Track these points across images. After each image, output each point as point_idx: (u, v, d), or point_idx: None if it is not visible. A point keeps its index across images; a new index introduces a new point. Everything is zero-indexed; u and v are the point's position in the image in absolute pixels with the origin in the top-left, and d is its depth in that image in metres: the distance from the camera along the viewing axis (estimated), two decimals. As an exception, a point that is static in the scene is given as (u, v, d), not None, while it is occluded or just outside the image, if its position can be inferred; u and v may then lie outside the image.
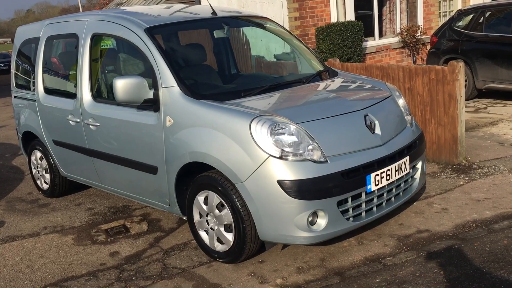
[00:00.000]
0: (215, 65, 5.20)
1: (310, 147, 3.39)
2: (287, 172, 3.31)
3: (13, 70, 6.06)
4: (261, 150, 3.35)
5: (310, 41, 10.14)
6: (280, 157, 3.33)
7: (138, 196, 4.54)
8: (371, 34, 11.03)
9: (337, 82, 4.43)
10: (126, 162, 4.39)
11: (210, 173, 3.71)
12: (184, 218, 4.17)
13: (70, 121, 4.92)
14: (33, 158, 5.94)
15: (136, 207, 5.29)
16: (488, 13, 8.83)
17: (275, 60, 6.09)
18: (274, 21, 5.27)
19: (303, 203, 3.31)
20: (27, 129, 5.80)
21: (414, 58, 11.15)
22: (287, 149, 3.35)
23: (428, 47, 11.32)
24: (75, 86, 4.84)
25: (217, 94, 3.97)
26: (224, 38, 5.30)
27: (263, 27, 5.20)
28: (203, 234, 3.91)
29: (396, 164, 3.73)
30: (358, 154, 3.55)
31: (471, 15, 9.20)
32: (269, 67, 5.48)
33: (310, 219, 3.37)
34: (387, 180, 3.67)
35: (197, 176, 3.82)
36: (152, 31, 4.19)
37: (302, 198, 3.30)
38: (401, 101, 4.25)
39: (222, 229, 3.70)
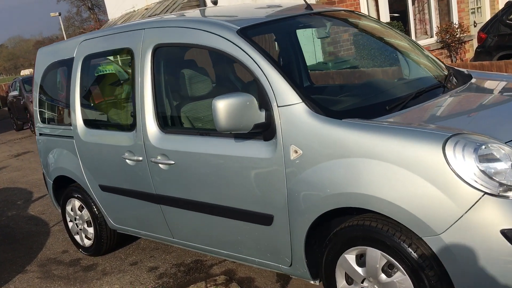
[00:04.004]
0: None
1: None
2: (514, 216, 2.23)
3: (36, 101, 4.92)
4: (468, 186, 2.27)
5: (344, 46, 9.14)
6: (498, 195, 2.26)
7: (234, 254, 3.42)
8: (406, 36, 10.10)
9: (491, 85, 3.39)
10: (220, 210, 3.28)
11: (365, 220, 2.62)
12: (313, 282, 3.06)
13: (127, 160, 3.79)
14: (68, 208, 4.78)
15: (211, 263, 4.16)
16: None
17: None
18: (371, 16, 4.24)
19: (542, 260, 2.23)
20: (61, 174, 4.64)
21: (454, 59, 10.23)
22: (505, 182, 2.28)
23: (467, 45, 10.45)
24: (133, 114, 3.72)
25: (357, 110, 2.89)
26: (294, 40, 4.27)
27: (356, 25, 4.16)
28: (353, 306, 2.81)
29: None
30: None
31: (528, 6, 8.36)
32: (371, 75, 4.40)
33: (548, 282, 2.29)
34: None
35: (343, 227, 2.73)
36: (247, 33, 3.12)
37: (540, 254, 2.22)
38: None
39: (392, 300, 2.60)
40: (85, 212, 4.56)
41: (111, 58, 4.15)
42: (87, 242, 4.68)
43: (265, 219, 3.03)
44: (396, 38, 4.04)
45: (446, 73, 3.55)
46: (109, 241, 4.55)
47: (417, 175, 2.37)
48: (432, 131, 2.43)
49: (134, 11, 15.96)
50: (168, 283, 3.95)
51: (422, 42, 10.35)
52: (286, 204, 2.88)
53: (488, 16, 11.87)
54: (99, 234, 4.51)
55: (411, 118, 2.77)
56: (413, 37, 10.11)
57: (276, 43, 3.90)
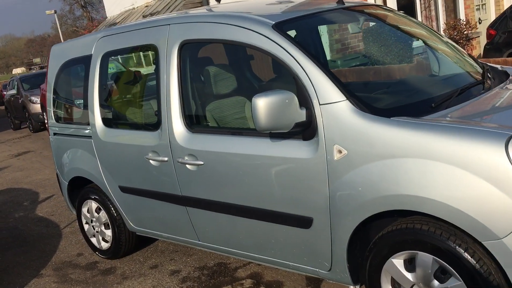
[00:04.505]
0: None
1: None
2: None
3: (50, 100, 4.76)
4: (533, 188, 2.16)
5: (352, 43, 9.03)
6: None
7: (266, 257, 3.29)
8: (413, 33, 10.01)
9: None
10: (253, 212, 3.16)
11: (415, 223, 2.50)
12: (352, 287, 2.95)
13: (150, 161, 3.66)
14: (84, 210, 4.64)
15: (236, 265, 4.04)
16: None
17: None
18: (398, 11, 4.13)
19: None
20: (77, 174, 4.50)
21: (462, 56, 10.14)
22: None
23: (474, 42, 10.37)
24: (157, 113, 3.59)
25: (402, 108, 2.76)
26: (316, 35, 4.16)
27: (384, 20, 4.05)
28: (400, 313, 2.69)
29: None
30: None
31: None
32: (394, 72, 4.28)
33: None
34: None
35: (390, 230, 2.61)
36: (282, 28, 3.00)
37: None
38: None
39: (444, 307, 2.49)
40: (103, 214, 4.42)
41: (132, 55, 4.01)
42: (104, 245, 4.54)
43: (304, 222, 2.91)
44: (425, 33, 3.94)
45: (481, 70, 3.45)
46: (128, 243, 4.42)
47: (476, 176, 2.26)
48: (492, 130, 2.32)
49: (134, 8, 15.77)
50: (192, 287, 3.83)
51: (429, 39, 10.26)
52: (328, 206, 2.76)
53: (493, 13, 11.81)
54: (118, 236, 4.37)
55: (461, 116, 2.66)
56: (420, 34, 10.03)
57: (309, 38, 3.77)
